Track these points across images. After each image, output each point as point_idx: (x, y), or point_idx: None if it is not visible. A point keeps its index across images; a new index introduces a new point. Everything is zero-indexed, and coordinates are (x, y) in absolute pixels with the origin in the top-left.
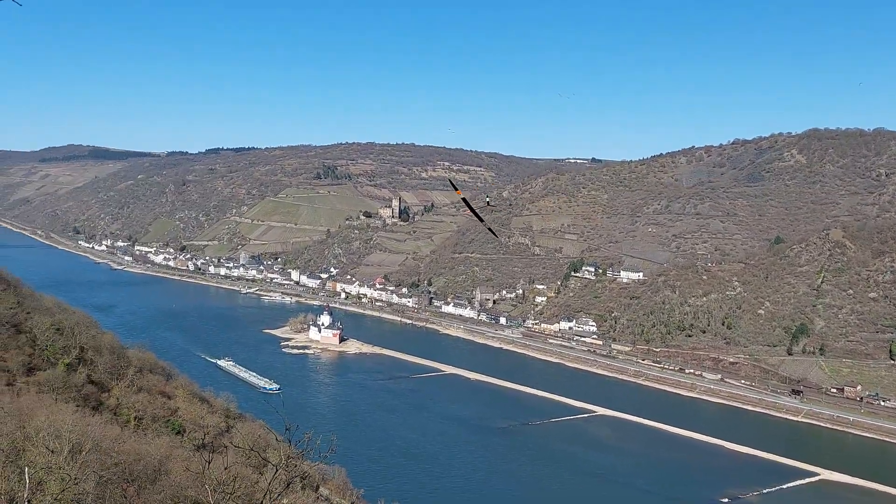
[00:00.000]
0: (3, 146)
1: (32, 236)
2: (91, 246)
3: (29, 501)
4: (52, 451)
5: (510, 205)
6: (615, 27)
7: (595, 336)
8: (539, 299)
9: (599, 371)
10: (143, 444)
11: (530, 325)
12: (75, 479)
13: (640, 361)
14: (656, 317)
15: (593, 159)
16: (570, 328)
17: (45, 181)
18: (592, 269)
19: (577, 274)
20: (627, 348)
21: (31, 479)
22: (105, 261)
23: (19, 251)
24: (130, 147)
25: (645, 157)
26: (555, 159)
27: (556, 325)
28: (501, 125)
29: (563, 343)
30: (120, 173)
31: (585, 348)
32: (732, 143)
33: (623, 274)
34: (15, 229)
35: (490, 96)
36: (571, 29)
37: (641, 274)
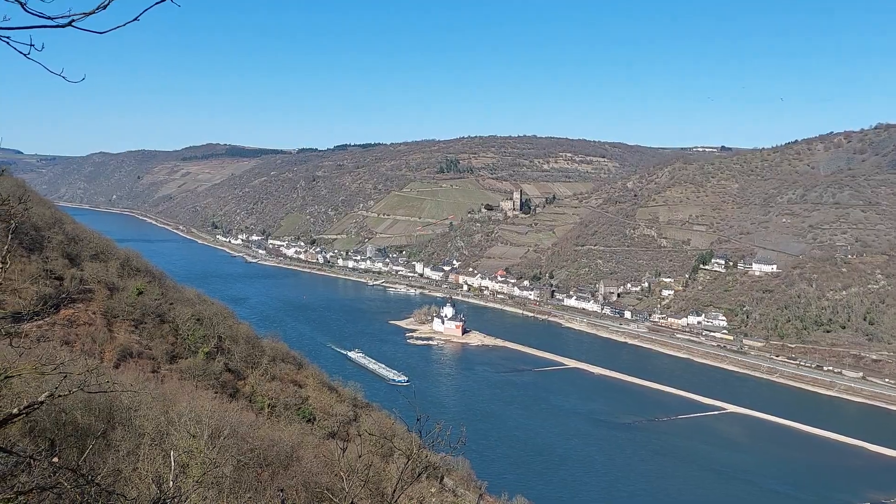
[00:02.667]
0: (148, 146)
1: (175, 231)
2: (228, 240)
3: (173, 482)
4: (194, 436)
5: (635, 195)
6: (744, 9)
7: (725, 331)
8: (666, 293)
9: (730, 367)
10: (277, 431)
11: (656, 320)
12: (215, 462)
13: (774, 358)
14: (791, 311)
15: (722, 147)
16: (699, 322)
17: (186, 178)
18: (722, 262)
19: (706, 266)
20: (760, 344)
21: (176, 461)
22: (241, 254)
23: (163, 245)
24: (264, 145)
25: (778, 145)
26: (681, 148)
27: (684, 319)
28: (626, 114)
29: (692, 338)
30: (254, 170)
31: (715, 343)
32: (875, 128)
33: (755, 266)
34: (159, 224)
35: (613, 85)
36: (698, 14)
37: (775, 266)
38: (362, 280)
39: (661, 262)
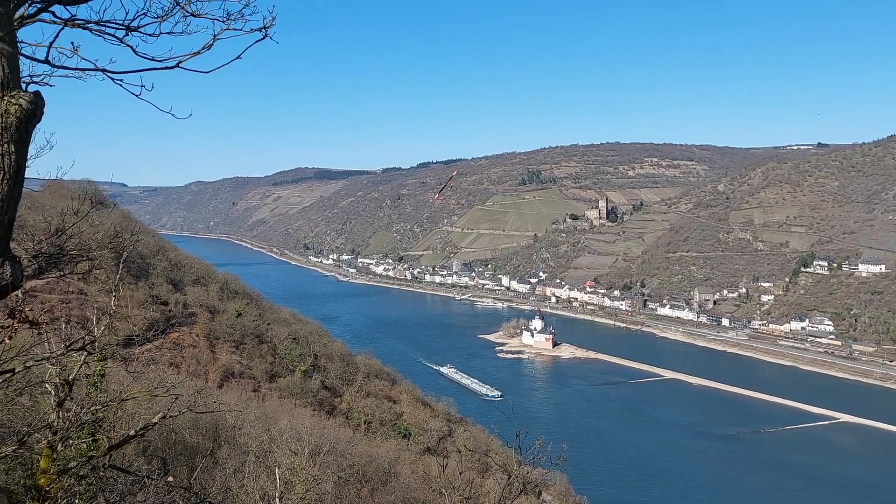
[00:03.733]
0: (241, 173)
1: (269, 253)
2: (319, 260)
3: (279, 499)
4: (295, 453)
5: (727, 198)
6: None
7: (832, 336)
8: (765, 298)
9: (839, 374)
10: (374, 447)
11: (757, 326)
12: (317, 479)
13: (888, 363)
14: None
15: (819, 144)
16: (803, 328)
17: (278, 203)
18: (825, 264)
19: (808, 269)
20: (871, 349)
21: (280, 478)
22: (332, 273)
23: (259, 268)
24: (350, 166)
25: (880, 138)
26: (774, 147)
27: (787, 325)
28: (714, 115)
29: (796, 345)
30: (342, 192)
31: (822, 349)
32: None
33: (861, 267)
34: (254, 248)
35: (699, 86)
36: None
37: (883, 266)
38: (450, 295)
39: (758, 267)
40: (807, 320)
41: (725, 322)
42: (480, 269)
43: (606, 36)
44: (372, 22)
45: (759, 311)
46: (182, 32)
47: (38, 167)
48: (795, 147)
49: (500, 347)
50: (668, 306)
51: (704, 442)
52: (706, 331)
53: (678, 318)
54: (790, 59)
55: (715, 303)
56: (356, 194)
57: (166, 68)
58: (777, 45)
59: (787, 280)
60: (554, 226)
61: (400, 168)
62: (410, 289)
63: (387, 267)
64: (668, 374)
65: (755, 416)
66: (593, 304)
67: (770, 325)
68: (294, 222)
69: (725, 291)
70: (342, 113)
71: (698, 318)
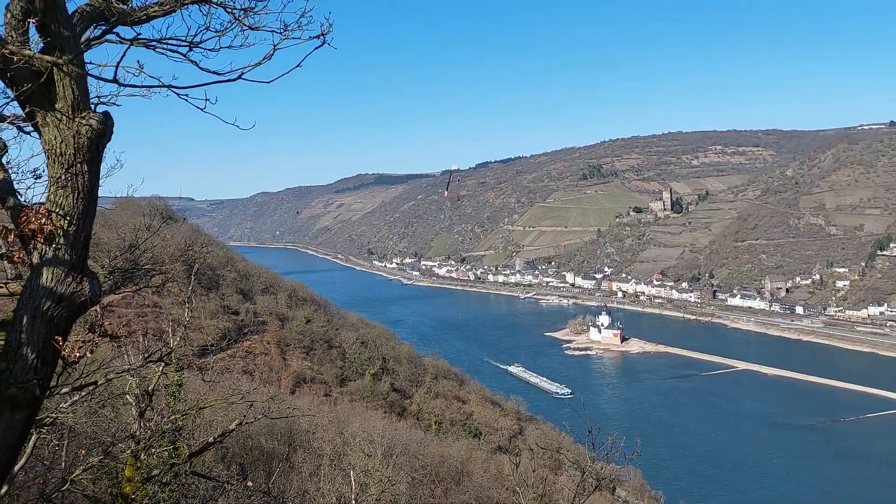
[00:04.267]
0: (304, 182)
1: (334, 260)
2: (383, 264)
3: (355, 501)
4: (368, 455)
5: (796, 183)
6: None
7: None
8: (840, 284)
9: None
10: (445, 447)
11: (832, 313)
12: (391, 480)
13: None
14: None
15: (892, 123)
16: (881, 313)
17: (340, 210)
18: None
19: (885, 252)
20: None
21: (356, 481)
22: (396, 277)
23: (325, 274)
24: (409, 171)
25: None
26: (844, 128)
27: (864, 310)
28: (779, 98)
29: (874, 330)
30: (402, 196)
31: None
32: None
33: None
34: (319, 255)
35: (762, 69)
36: None
37: None
38: (514, 294)
39: (831, 252)
40: (885, 305)
41: (799, 310)
42: (544, 267)
43: (663, 22)
44: (424, 21)
45: (834, 298)
46: (241, 46)
47: (110, 185)
48: (867, 127)
49: (568, 344)
50: (739, 296)
51: (780, 433)
52: (779, 320)
53: (749, 307)
54: (858, 35)
55: (787, 291)
56: (416, 198)
57: (229, 80)
58: (843, 19)
59: (863, 264)
60: (617, 220)
61: (459, 169)
62: (474, 289)
63: (449, 269)
64: (741, 364)
65: (833, 405)
66: (661, 297)
67: (846, 312)
68: (357, 228)
69: (798, 279)
70: (399, 117)
71: (770, 306)
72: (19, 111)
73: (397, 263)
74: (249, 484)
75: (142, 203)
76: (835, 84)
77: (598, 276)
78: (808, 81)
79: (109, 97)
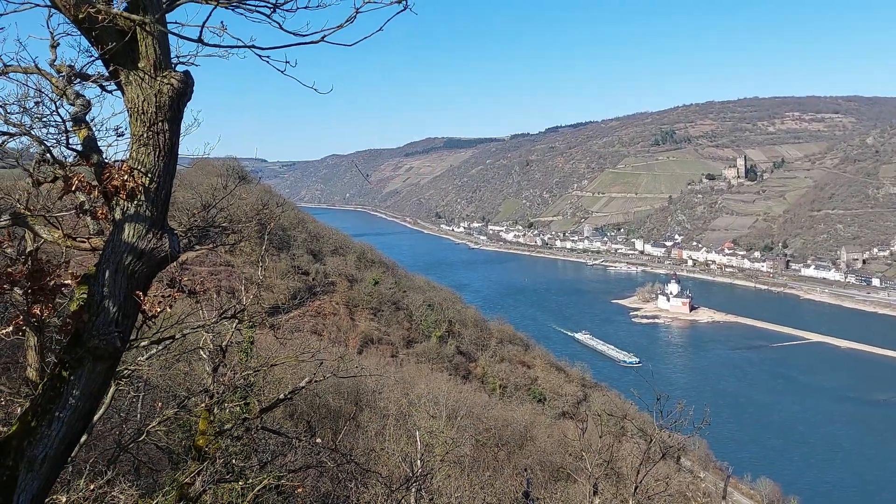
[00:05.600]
0: (374, 145)
1: (403, 223)
2: (451, 228)
3: (421, 460)
4: (433, 417)
5: (877, 152)
6: None
7: None
8: None
9: None
10: (509, 411)
11: None
12: (455, 441)
13: None
14: None
15: None
16: None
17: (409, 173)
18: None
19: None
20: None
21: (420, 440)
22: (463, 241)
23: (393, 237)
24: (478, 135)
25: None
26: None
27: None
28: (860, 63)
29: None
30: (471, 160)
31: None
32: None
33: None
34: (388, 218)
35: (843, 31)
36: None
37: None
38: (581, 260)
39: None
40: None
41: (876, 282)
42: (612, 234)
43: None
44: None
45: None
46: (318, 6)
47: (186, 145)
48: None
49: (635, 312)
50: (813, 267)
51: (852, 406)
52: (855, 291)
53: (824, 278)
54: None
55: (864, 262)
56: (485, 162)
57: (311, 42)
58: None
59: None
60: (689, 187)
61: (528, 133)
62: (541, 255)
63: (517, 234)
64: (814, 336)
65: None
66: (732, 266)
67: None
68: (425, 192)
69: (876, 250)
70: (469, 80)
71: (846, 278)
72: (103, 70)
73: (465, 228)
74: (318, 441)
75: (216, 163)
76: None
77: (668, 243)
78: (892, 46)
79: (189, 57)
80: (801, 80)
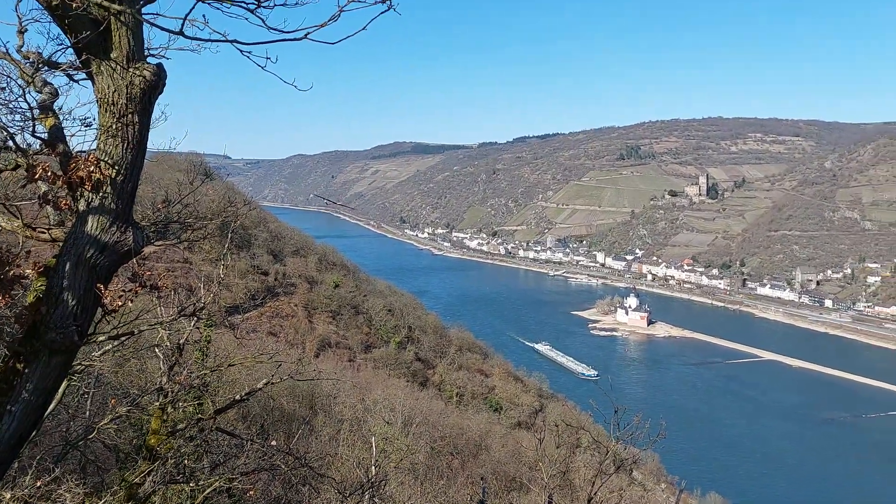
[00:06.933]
0: (341, 147)
1: (366, 226)
2: (415, 234)
3: (375, 466)
4: (389, 423)
5: (834, 176)
6: None
7: None
8: (872, 279)
9: None
10: (465, 420)
11: (862, 308)
12: (410, 448)
13: None
14: None
15: None
16: None
17: (375, 176)
18: None
19: None
20: None
21: (375, 447)
22: (427, 247)
23: (356, 240)
24: (446, 141)
25: None
26: (885, 122)
27: (894, 307)
28: (821, 88)
29: None
30: (438, 166)
31: None
32: None
33: None
34: (352, 220)
35: (805, 57)
36: None
37: None
38: (543, 270)
39: (865, 247)
40: None
41: (828, 303)
42: (575, 246)
43: (705, 5)
44: None
45: (864, 293)
46: (296, 4)
47: (153, 139)
48: None
49: (594, 324)
50: (769, 286)
51: (801, 425)
52: (808, 312)
53: (779, 298)
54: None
55: (818, 283)
56: (452, 169)
57: (294, 39)
58: (888, 13)
59: None
60: (652, 202)
61: (496, 142)
62: (504, 264)
63: (481, 241)
64: (767, 355)
65: (857, 401)
66: (690, 282)
67: (876, 308)
68: (391, 196)
69: (829, 272)
70: (439, 86)
71: (800, 298)
72: (73, 58)
73: (429, 233)
74: (273, 443)
75: (179, 158)
76: (878, 78)
77: (629, 257)
78: (852, 73)
79: (160, 49)
80: (764, 102)
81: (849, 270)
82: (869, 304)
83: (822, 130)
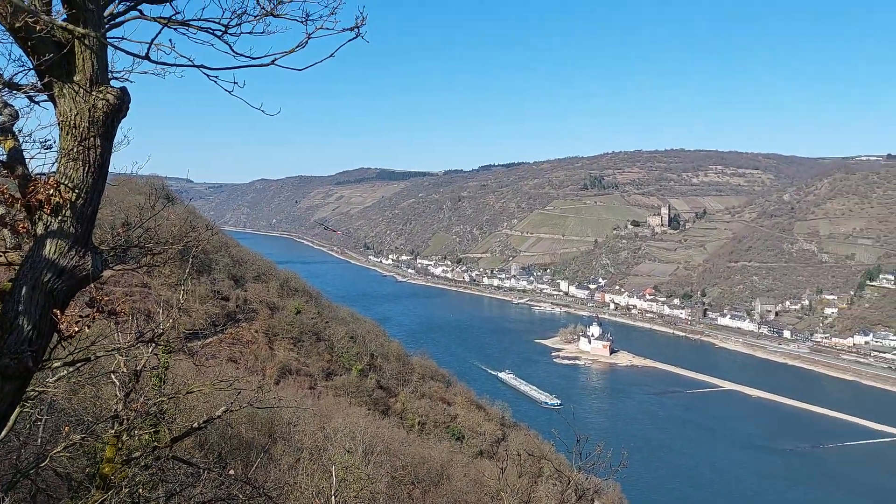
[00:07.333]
0: (305, 172)
1: (330, 252)
2: (379, 260)
3: (335, 496)
4: (349, 452)
5: (792, 208)
6: None
7: None
8: (829, 311)
9: None
10: (427, 448)
11: (819, 339)
12: (370, 478)
13: None
14: None
15: (889, 156)
16: (867, 343)
17: (340, 202)
18: (892, 278)
19: (874, 283)
20: None
21: (336, 476)
22: (391, 273)
23: (319, 266)
24: (412, 168)
25: None
26: (842, 157)
27: (850, 339)
28: (781, 123)
29: (859, 359)
30: (403, 192)
31: (885, 365)
32: None
33: None
34: (315, 246)
35: (766, 93)
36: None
37: None
38: (507, 298)
39: (822, 279)
40: (871, 335)
41: (787, 334)
42: (539, 274)
43: (670, 40)
44: (431, 22)
45: (821, 324)
46: (262, 32)
47: (114, 162)
48: (864, 158)
49: (557, 353)
50: (729, 316)
51: (759, 454)
52: (767, 342)
53: (738, 328)
54: (859, 69)
55: (777, 314)
56: (417, 195)
57: (262, 65)
58: (845, 53)
59: (852, 293)
60: (615, 232)
61: (462, 170)
62: (468, 291)
63: (445, 269)
64: (727, 384)
65: (814, 431)
66: (652, 311)
67: (833, 339)
68: (355, 222)
69: (788, 303)
70: (405, 113)
71: (759, 329)
72: (35, 80)
73: (393, 260)
74: (231, 472)
75: (139, 181)
76: (835, 113)
77: (592, 286)
78: (811, 109)
79: (123, 73)
80: (725, 136)
81: (806, 302)
82: (826, 335)
83: (781, 164)
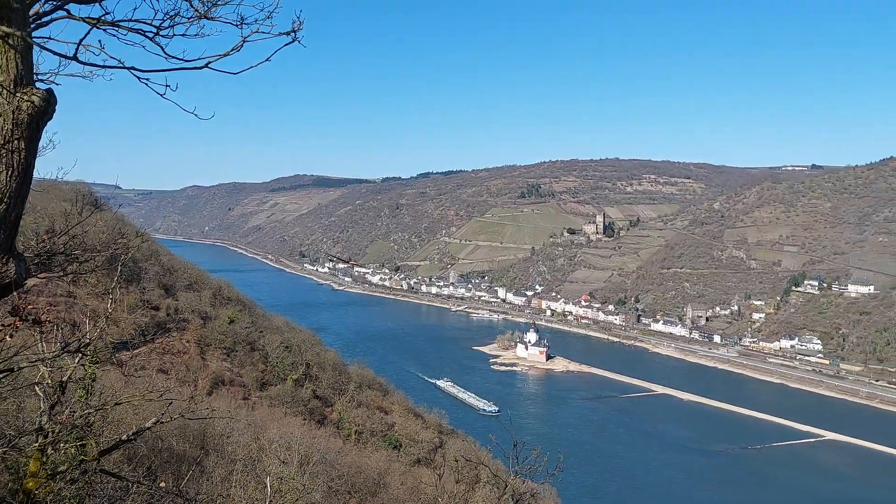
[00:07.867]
0: (239, 179)
1: (264, 260)
2: (315, 268)
3: None
4: (284, 462)
5: (722, 217)
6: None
7: (820, 355)
8: (756, 316)
9: (826, 393)
10: (364, 458)
11: (747, 344)
12: (306, 489)
13: (874, 382)
14: (891, 333)
15: (813, 166)
16: (792, 346)
17: (275, 209)
18: (816, 283)
19: (799, 288)
20: (858, 368)
21: (270, 487)
22: (327, 282)
23: (253, 275)
24: (349, 175)
25: (873, 161)
26: (770, 167)
27: (776, 343)
28: (711, 134)
29: (785, 362)
30: (340, 200)
31: (810, 368)
32: None
33: (851, 288)
34: (249, 254)
35: (697, 104)
36: (790, 22)
37: (872, 287)
38: (446, 306)
39: (750, 285)
40: (796, 339)
41: (717, 339)
42: (477, 281)
43: (607, 53)
44: (372, 27)
45: (750, 329)
46: (196, 35)
47: (39, 167)
48: (790, 168)
49: (494, 360)
50: (662, 322)
51: (690, 456)
52: (698, 347)
53: (671, 333)
54: (787, 81)
55: (707, 319)
56: (354, 203)
57: (195, 68)
58: (773, 66)
59: (779, 299)
60: (551, 239)
61: (400, 178)
62: (406, 299)
63: (383, 277)
64: (659, 388)
65: (743, 433)
66: (588, 318)
67: (760, 343)
68: (291, 229)
69: (718, 308)
70: (342, 120)
71: (691, 334)
72: None
73: (330, 268)
74: (162, 485)
75: (64, 188)
76: (764, 125)
77: (529, 293)
78: (740, 120)
79: (49, 74)
80: (659, 145)
81: (735, 307)
82: (754, 339)
83: (712, 173)
